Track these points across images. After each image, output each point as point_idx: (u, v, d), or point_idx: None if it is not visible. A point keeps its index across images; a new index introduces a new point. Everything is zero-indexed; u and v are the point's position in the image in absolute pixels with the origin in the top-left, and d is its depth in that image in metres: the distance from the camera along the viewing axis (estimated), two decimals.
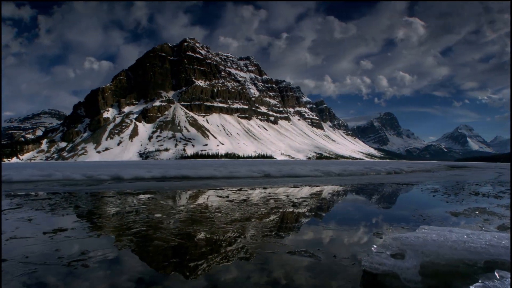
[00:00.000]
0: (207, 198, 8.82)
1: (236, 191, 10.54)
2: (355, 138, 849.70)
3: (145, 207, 6.99)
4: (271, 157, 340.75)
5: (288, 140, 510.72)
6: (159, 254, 3.79)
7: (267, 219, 5.89)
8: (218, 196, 9.11)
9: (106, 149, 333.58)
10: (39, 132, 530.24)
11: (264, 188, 11.68)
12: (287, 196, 9.25)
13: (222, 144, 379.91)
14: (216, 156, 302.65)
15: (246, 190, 10.75)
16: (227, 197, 8.92)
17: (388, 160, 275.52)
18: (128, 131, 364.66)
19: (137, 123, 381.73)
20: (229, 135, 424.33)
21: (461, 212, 6.60)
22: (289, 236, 4.72)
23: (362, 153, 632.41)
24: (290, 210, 6.87)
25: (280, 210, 6.78)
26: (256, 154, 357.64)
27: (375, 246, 3.34)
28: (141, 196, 9.01)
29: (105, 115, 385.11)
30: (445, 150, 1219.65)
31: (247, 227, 5.15)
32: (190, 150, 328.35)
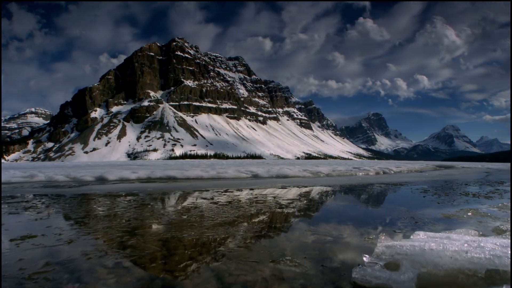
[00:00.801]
0: (191, 201, 8.50)
1: (222, 192, 10.22)
2: (343, 138, 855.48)
3: (124, 211, 6.67)
4: (260, 157, 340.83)
5: (277, 140, 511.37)
6: (133, 265, 3.41)
7: (251, 223, 5.58)
8: (202, 198, 8.79)
9: (94, 149, 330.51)
10: (25, 132, 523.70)
11: (251, 189, 11.39)
12: (274, 197, 8.99)
13: (211, 144, 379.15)
14: (205, 156, 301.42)
15: (232, 192, 10.42)
16: (212, 199, 8.63)
17: (376, 160, 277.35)
18: (116, 131, 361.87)
19: (125, 123, 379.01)
20: (218, 135, 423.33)
21: (454, 213, 6.41)
22: (274, 242, 4.41)
23: (351, 153, 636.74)
24: (276, 213, 6.60)
25: (266, 214, 6.49)
26: (245, 155, 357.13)
27: (366, 256, 3.07)
28: (122, 199, 8.66)
29: (93, 115, 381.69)
30: (432, 150, 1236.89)
31: (230, 233, 4.82)
32: (178, 151, 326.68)
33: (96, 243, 4.24)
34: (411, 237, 3.55)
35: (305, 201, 8.46)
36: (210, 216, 6.13)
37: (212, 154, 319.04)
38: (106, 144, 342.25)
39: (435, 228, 5.13)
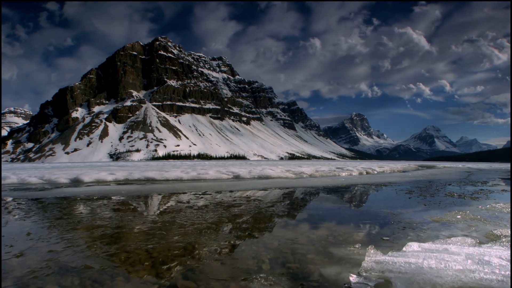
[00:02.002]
0: (165, 205, 8.03)
1: (200, 195, 9.77)
2: (326, 139, 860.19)
3: (89, 217, 6.18)
4: (243, 157, 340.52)
5: (261, 140, 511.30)
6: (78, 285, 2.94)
7: (227, 231, 5.12)
8: (178, 202, 8.34)
9: (75, 150, 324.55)
10: (3, 132, 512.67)
11: (231, 191, 10.93)
12: (254, 201, 8.56)
13: (195, 144, 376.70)
14: (188, 157, 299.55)
15: (210, 194, 9.96)
16: (188, 202, 8.20)
17: (359, 160, 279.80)
18: (98, 132, 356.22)
19: (107, 123, 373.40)
20: (201, 135, 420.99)
21: (442, 217, 6.17)
22: (250, 253, 3.92)
23: (334, 153, 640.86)
24: (255, 219, 6.16)
25: (243, 219, 6.06)
26: (229, 155, 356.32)
27: (353, 275, 2.69)
28: (91, 204, 8.07)
29: (74, 114, 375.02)
30: (414, 150, 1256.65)
31: (200, 243, 4.34)
32: (161, 151, 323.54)
33: (49, 257, 3.70)
34: (404, 249, 3.20)
35: (286, 205, 8.06)
36: (182, 222, 5.68)
37: (195, 155, 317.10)
38: (88, 145, 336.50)
39: (425, 235, 4.81)
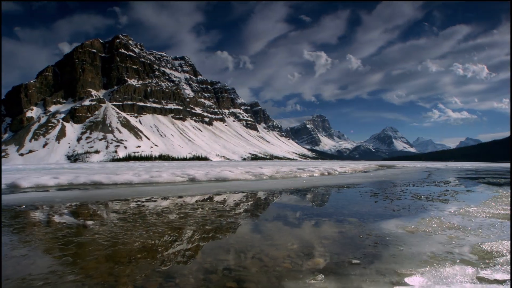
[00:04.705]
0: (97, 215, 6.85)
1: (142, 202, 8.64)
2: (289, 139, 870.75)
3: (8, 230, 5.13)
4: (206, 158, 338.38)
5: (223, 141, 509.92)
6: None
7: (158, 251, 4.08)
8: (112, 212, 7.18)
9: (30, 151, 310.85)
10: None
11: (180, 197, 9.84)
12: (202, 208, 7.49)
13: (156, 145, 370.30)
14: (149, 158, 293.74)
15: (155, 201, 8.85)
16: (124, 212, 7.03)
17: (320, 160, 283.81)
18: (54, 132, 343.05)
19: (65, 123, 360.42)
20: (163, 136, 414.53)
21: (416, 226, 5.40)
22: (183, 281, 2.89)
23: (296, 153, 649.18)
24: (196, 233, 5.11)
25: (181, 236, 4.97)
26: (191, 156, 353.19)
27: None
28: (15, 215, 6.74)
29: (29, 114, 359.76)
30: (373, 150, 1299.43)
31: (122, 265, 3.38)
32: (122, 152, 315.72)
33: None
34: None
35: (237, 214, 6.96)
36: (108, 239, 4.55)
37: (157, 156, 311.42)
38: (44, 146, 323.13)
39: (403, 254, 3.91)
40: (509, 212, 6.71)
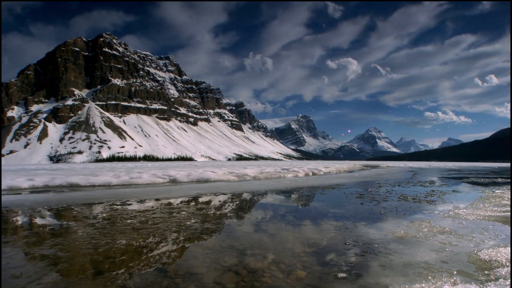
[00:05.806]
0: (64, 221, 6.29)
1: (117, 206, 8.15)
2: (273, 140, 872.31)
3: None
4: (191, 159, 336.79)
5: (208, 141, 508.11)
6: None
7: (123, 264, 3.56)
8: (83, 217, 6.62)
9: (11, 152, 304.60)
10: None
11: (157, 199, 9.36)
12: (178, 212, 7.03)
13: (140, 146, 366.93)
14: (134, 158, 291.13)
15: (130, 204, 8.37)
16: (95, 217, 6.56)
17: (305, 161, 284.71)
18: (36, 132, 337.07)
19: (47, 123, 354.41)
20: (147, 136, 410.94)
21: (406, 231, 5.06)
22: None
23: (281, 153, 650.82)
24: (168, 242, 4.63)
25: (152, 244, 4.50)
26: (176, 156, 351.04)
27: None
28: None
29: (10, 113, 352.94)
30: (357, 150, 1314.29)
31: (81, 282, 2.76)
32: (106, 153, 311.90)
33: None
34: None
35: (214, 220, 6.50)
36: (65, 252, 4.01)
37: (141, 156, 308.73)
38: (25, 146, 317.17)
39: (394, 265, 3.51)
40: (500, 214, 6.46)
